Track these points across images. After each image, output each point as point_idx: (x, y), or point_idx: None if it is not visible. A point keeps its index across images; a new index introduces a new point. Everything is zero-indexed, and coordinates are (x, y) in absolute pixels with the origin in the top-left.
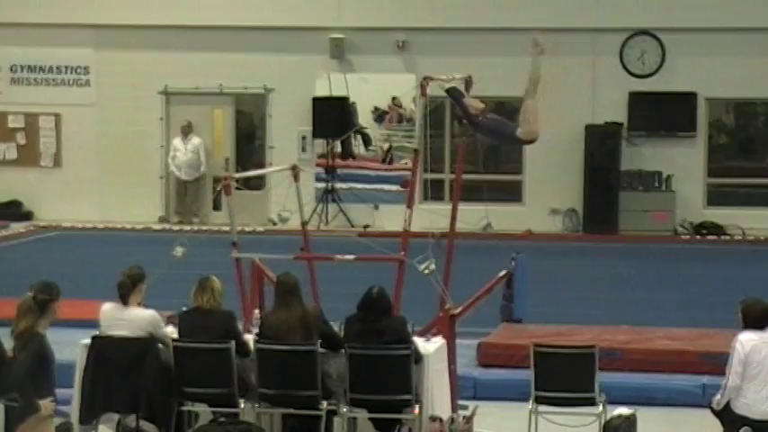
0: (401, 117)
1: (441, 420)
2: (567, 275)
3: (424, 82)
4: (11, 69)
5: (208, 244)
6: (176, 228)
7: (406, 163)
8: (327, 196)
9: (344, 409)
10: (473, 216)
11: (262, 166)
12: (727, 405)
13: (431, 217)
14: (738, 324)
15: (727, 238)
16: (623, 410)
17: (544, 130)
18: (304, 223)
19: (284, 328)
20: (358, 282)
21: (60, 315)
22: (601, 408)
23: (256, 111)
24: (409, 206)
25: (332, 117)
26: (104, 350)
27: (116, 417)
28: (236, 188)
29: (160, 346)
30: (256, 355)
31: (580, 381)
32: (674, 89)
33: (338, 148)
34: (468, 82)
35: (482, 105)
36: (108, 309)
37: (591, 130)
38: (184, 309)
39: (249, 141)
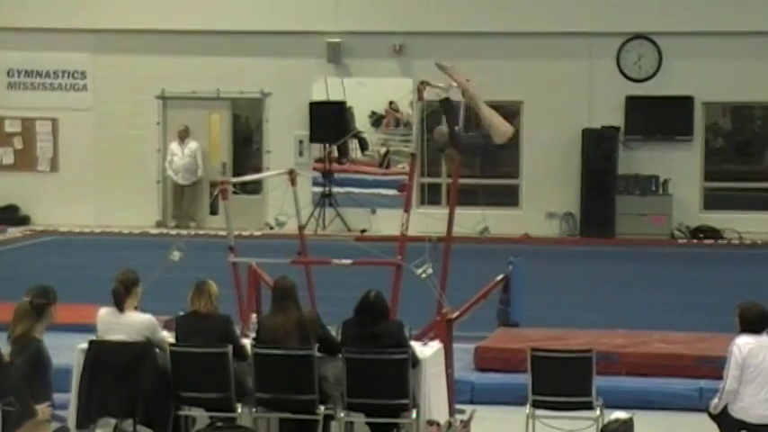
0: (398, 121)
1: (438, 425)
2: (564, 279)
3: (421, 86)
4: (8, 74)
5: (205, 248)
6: (173, 232)
7: (403, 167)
8: (324, 200)
9: (342, 414)
10: (470, 220)
11: (259, 170)
12: (725, 409)
13: (428, 221)
14: (735, 328)
15: (724, 241)
16: (620, 414)
17: (540, 134)
18: (301, 227)
19: (281, 333)
20: (355, 286)
21: (57, 319)
22: (598, 412)
23: (253, 115)
24: (406, 210)
25: (329, 121)
26: (101, 354)
27: (113, 421)
28: (233, 192)
29: (157, 350)
30: (253, 360)
31: (577, 385)
32: (671, 93)
33: (335, 153)
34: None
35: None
36: (105, 313)
37: (588, 134)
38: (181, 313)
39: (246, 146)
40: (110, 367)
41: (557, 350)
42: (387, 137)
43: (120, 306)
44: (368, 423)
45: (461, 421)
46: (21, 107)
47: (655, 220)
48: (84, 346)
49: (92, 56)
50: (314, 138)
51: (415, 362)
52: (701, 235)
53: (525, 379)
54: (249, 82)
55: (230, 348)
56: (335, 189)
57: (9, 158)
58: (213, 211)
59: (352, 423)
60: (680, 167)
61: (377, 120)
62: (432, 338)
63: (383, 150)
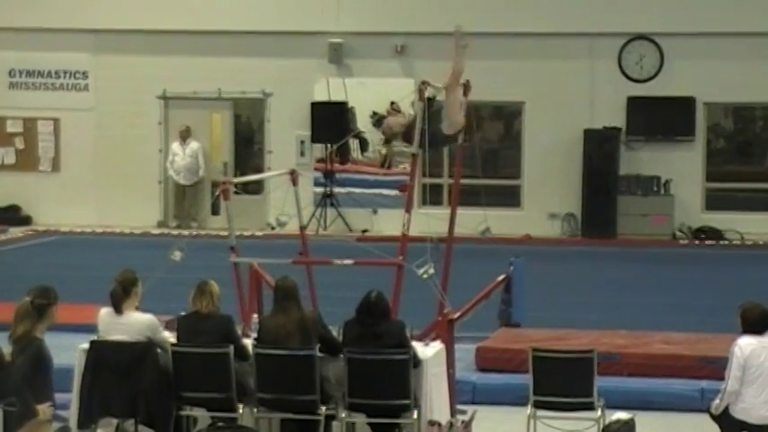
0: None
1: (439, 425)
2: (566, 280)
3: (423, 86)
4: (9, 74)
5: (206, 248)
6: (175, 232)
7: (404, 167)
8: (326, 201)
9: (343, 414)
10: (471, 220)
11: (260, 170)
12: (726, 409)
13: (429, 221)
14: (737, 328)
15: (726, 242)
16: (622, 415)
17: (542, 135)
18: (302, 227)
19: (283, 333)
20: (356, 286)
21: (59, 319)
22: (599, 412)
23: (255, 115)
24: (408, 210)
25: (330, 121)
26: (103, 355)
27: (114, 421)
28: (235, 192)
29: (158, 350)
30: (255, 360)
31: (578, 385)
32: (673, 93)
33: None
34: (465, 87)
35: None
36: (106, 313)
37: (589, 135)
38: (183, 313)
39: (248, 146)
40: (111, 367)
41: (558, 350)
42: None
43: (117, 308)
44: (369, 423)
45: (463, 422)
46: (22, 107)
47: (656, 220)
48: (86, 346)
49: (93, 56)
50: (315, 138)
51: (417, 362)
52: (703, 235)
53: (526, 379)
54: (251, 82)
55: (232, 348)
56: (337, 189)
57: (11, 158)
58: (215, 212)
59: (353, 423)
60: (681, 168)
61: (378, 120)
62: (433, 339)
63: (384, 151)
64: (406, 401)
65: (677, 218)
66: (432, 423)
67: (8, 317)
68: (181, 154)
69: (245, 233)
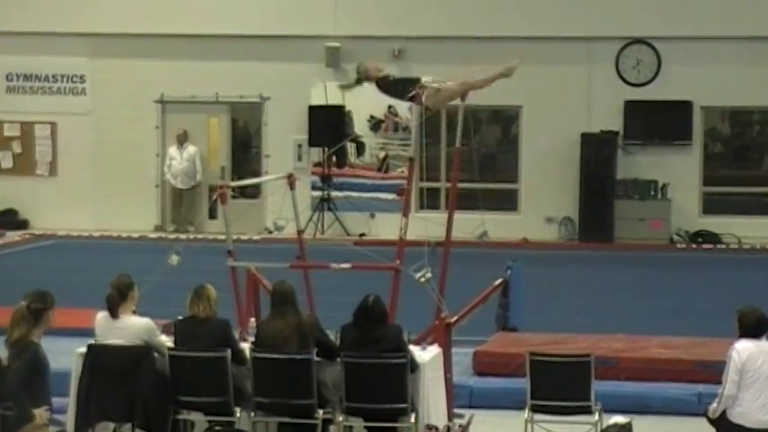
0: (397, 126)
1: (437, 429)
2: (563, 284)
3: (420, 90)
4: (6, 78)
5: (203, 252)
6: (172, 236)
7: (401, 171)
8: (323, 205)
9: (340, 418)
10: (469, 224)
11: (257, 174)
12: (723, 414)
13: (427, 225)
14: (734, 332)
15: (723, 246)
16: (619, 419)
17: (539, 139)
18: (300, 232)
19: (280, 337)
20: (354, 290)
21: (56, 323)
22: (597, 416)
23: (252, 119)
24: (405, 214)
25: (328, 126)
26: (100, 359)
27: (112, 425)
28: (232, 197)
29: (155, 354)
30: (252, 364)
31: (576, 389)
32: (670, 97)
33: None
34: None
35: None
36: (103, 317)
37: (586, 139)
38: (180, 317)
39: (245, 150)
40: (108, 371)
41: (555, 355)
42: (385, 141)
43: (113, 313)
44: (366, 427)
45: (460, 426)
46: (20, 111)
47: (653, 224)
48: (83, 350)
49: (91, 60)
50: (313, 142)
51: (414, 366)
52: (700, 239)
53: (524, 383)
54: (248, 86)
55: (229, 352)
56: (334, 193)
57: (8, 162)
58: (212, 216)
59: (350, 427)
60: (679, 172)
61: (376, 124)
62: (431, 343)
63: (382, 155)
64: (404, 405)
65: (674, 222)
66: (429, 427)
67: (5, 321)
68: (178, 158)
69: (243, 237)
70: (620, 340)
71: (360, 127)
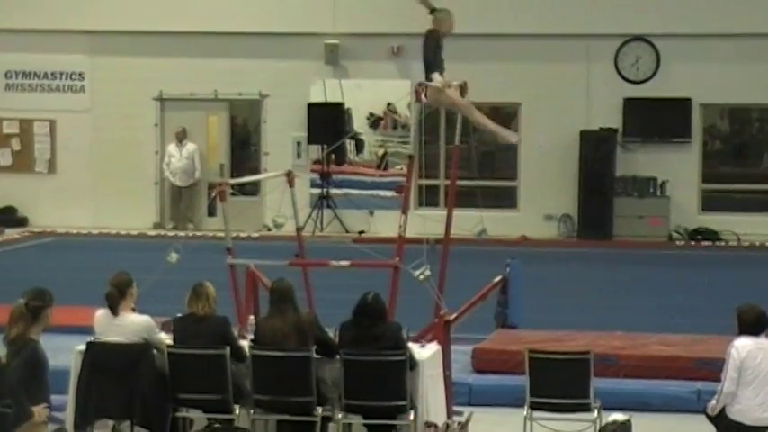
0: (396, 123)
1: (436, 426)
2: (562, 281)
3: (419, 88)
4: (5, 75)
5: (202, 250)
6: (171, 234)
7: (401, 169)
8: (322, 202)
9: (339, 416)
10: (468, 222)
11: (256, 171)
12: (722, 411)
13: (426, 223)
14: (734, 330)
15: (722, 243)
16: (618, 416)
17: (538, 136)
18: (299, 229)
19: (279, 335)
20: (353, 288)
21: (55, 321)
22: (596, 414)
23: (251, 117)
24: (404, 212)
25: (327, 123)
26: (99, 356)
27: (111, 423)
28: (231, 194)
29: (155, 351)
30: (251, 361)
31: (575, 387)
32: (669, 95)
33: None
34: (462, 88)
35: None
36: (102, 315)
37: (585, 136)
38: (179, 315)
39: (244, 147)
40: (107, 369)
41: (554, 352)
42: (385, 139)
43: (113, 310)
44: (365, 425)
45: (459, 423)
46: (18, 108)
47: (652, 222)
48: (82, 347)
49: (89, 57)
50: (312, 139)
51: (413, 364)
52: (699, 237)
53: (523, 381)
54: (247, 84)
55: (228, 350)
56: (333, 191)
57: (7, 160)
58: (211, 213)
59: (349, 425)
60: (678, 169)
61: (375, 121)
62: (430, 340)
63: (381, 152)
64: (403, 403)
65: (673, 219)
66: (428, 425)
67: (3, 319)
68: (177, 156)
69: (242, 235)
70: (619, 338)
71: (359, 124)
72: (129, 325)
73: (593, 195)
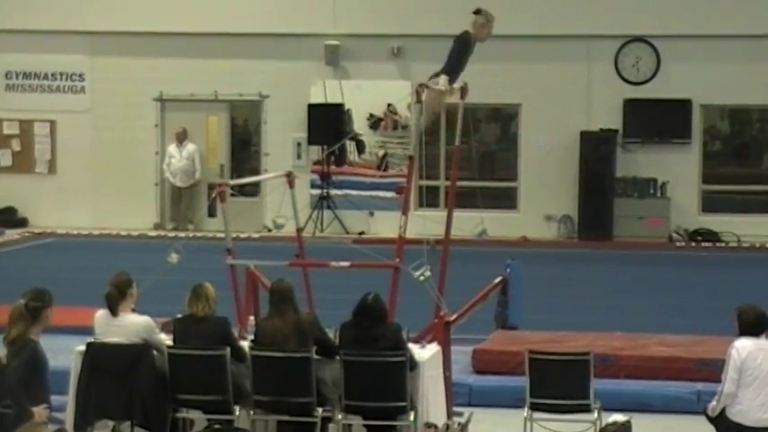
0: (396, 124)
1: (436, 427)
2: (562, 282)
3: (419, 89)
4: (6, 76)
5: (202, 250)
6: (171, 234)
7: (401, 169)
8: (322, 203)
9: (339, 416)
10: (468, 223)
11: (257, 172)
12: (723, 412)
13: (426, 223)
14: (734, 331)
15: (722, 244)
16: (618, 417)
17: (538, 137)
18: (299, 230)
19: (279, 336)
20: (353, 288)
21: (55, 322)
22: (596, 414)
23: (251, 117)
24: (404, 213)
25: (327, 124)
26: (99, 357)
27: (111, 423)
28: (231, 195)
29: (155, 352)
30: (251, 362)
31: (575, 387)
32: (669, 96)
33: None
34: (463, 89)
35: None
36: (102, 315)
37: (586, 137)
38: (179, 315)
39: (244, 148)
40: (107, 369)
41: (555, 353)
42: (385, 139)
43: (113, 311)
44: (365, 425)
45: (459, 424)
46: (19, 109)
47: (653, 222)
48: (82, 348)
49: (90, 58)
50: (312, 140)
51: (413, 364)
52: (699, 238)
53: (523, 382)
54: (247, 84)
55: (228, 351)
56: (333, 191)
57: (7, 160)
58: (211, 214)
59: (349, 426)
60: (678, 170)
61: (375, 122)
62: (430, 341)
63: (381, 153)
64: (403, 404)
65: (673, 220)
66: (428, 425)
67: (3, 319)
68: (177, 156)
69: (242, 235)
70: (619, 338)
71: (359, 125)
72: (129, 325)
73: (594, 196)
